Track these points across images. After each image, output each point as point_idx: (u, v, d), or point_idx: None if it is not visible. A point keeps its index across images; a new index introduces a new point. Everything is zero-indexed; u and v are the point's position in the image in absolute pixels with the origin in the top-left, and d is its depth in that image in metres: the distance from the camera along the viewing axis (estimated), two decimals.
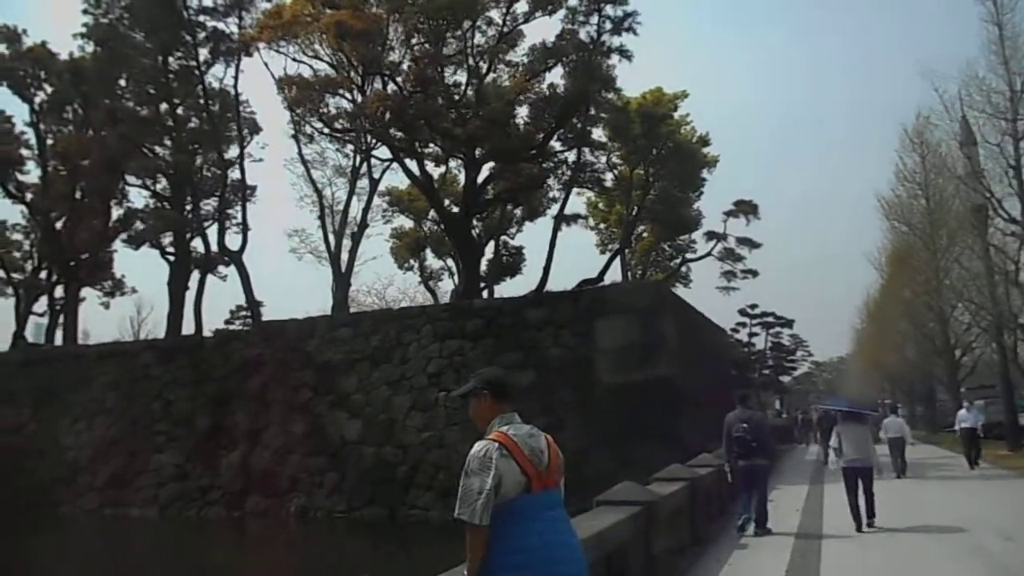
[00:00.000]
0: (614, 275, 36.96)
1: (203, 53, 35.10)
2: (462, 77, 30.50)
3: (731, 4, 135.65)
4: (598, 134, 34.55)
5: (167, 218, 35.71)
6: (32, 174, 39.30)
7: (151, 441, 25.96)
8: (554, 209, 34.27)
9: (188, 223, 35.44)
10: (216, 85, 36.38)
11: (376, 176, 37.59)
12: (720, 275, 43.25)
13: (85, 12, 35.34)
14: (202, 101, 35.55)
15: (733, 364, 42.20)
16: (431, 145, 30.35)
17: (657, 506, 6.80)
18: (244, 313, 41.05)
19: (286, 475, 23.25)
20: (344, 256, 37.77)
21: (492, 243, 35.52)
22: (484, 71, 30.35)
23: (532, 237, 71.26)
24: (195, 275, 36.79)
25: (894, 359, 38.67)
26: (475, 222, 33.13)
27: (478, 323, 22.95)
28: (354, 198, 38.87)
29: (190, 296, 36.03)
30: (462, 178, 31.68)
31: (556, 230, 32.91)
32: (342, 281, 37.06)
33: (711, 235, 41.74)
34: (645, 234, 42.46)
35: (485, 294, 31.56)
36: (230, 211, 36.96)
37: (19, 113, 40.48)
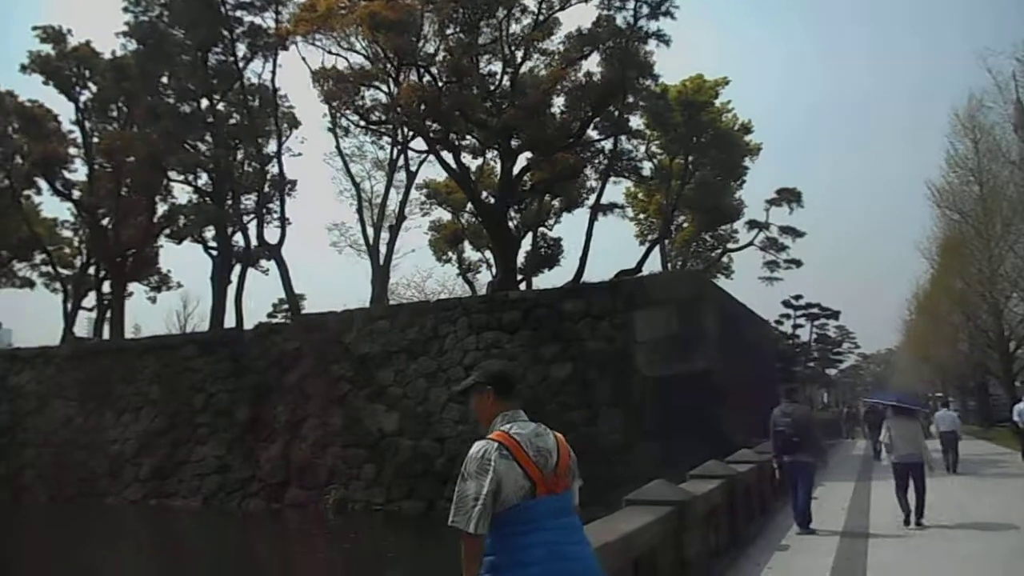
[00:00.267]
0: (653, 266, 36.46)
1: (241, 48, 35.41)
2: (497, 67, 30.20)
3: None
4: (636, 122, 34.00)
5: (208, 213, 36.14)
6: (79, 172, 40.16)
7: (193, 433, 26.36)
8: (592, 199, 33.90)
9: (229, 217, 35.78)
10: (255, 80, 36.76)
11: (413, 169, 37.72)
12: (763, 265, 42.55)
13: (125, 10, 35.85)
14: (241, 96, 35.88)
15: (777, 357, 41.42)
16: (467, 137, 30.17)
17: (690, 506, 6.46)
18: (286, 307, 41.48)
19: (324, 467, 23.38)
20: (383, 249, 37.98)
21: (530, 235, 35.26)
22: (519, 60, 29.94)
23: (571, 229, 71.00)
24: (237, 269, 37.23)
25: (945, 352, 37.64)
26: (513, 213, 32.85)
27: (515, 315, 22.68)
28: (392, 191, 39.11)
29: (232, 290, 36.54)
30: (499, 169, 31.44)
31: (592, 220, 32.50)
32: (381, 274, 37.23)
33: (753, 224, 40.97)
34: (685, 224, 41.74)
35: (523, 286, 31.28)
36: (270, 205, 37.30)
37: (65, 112, 41.24)
